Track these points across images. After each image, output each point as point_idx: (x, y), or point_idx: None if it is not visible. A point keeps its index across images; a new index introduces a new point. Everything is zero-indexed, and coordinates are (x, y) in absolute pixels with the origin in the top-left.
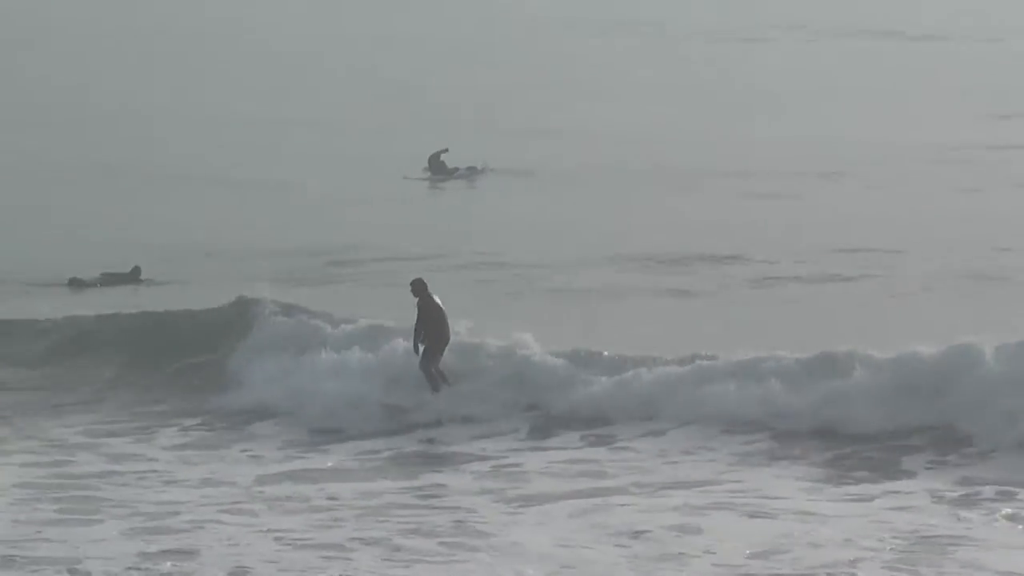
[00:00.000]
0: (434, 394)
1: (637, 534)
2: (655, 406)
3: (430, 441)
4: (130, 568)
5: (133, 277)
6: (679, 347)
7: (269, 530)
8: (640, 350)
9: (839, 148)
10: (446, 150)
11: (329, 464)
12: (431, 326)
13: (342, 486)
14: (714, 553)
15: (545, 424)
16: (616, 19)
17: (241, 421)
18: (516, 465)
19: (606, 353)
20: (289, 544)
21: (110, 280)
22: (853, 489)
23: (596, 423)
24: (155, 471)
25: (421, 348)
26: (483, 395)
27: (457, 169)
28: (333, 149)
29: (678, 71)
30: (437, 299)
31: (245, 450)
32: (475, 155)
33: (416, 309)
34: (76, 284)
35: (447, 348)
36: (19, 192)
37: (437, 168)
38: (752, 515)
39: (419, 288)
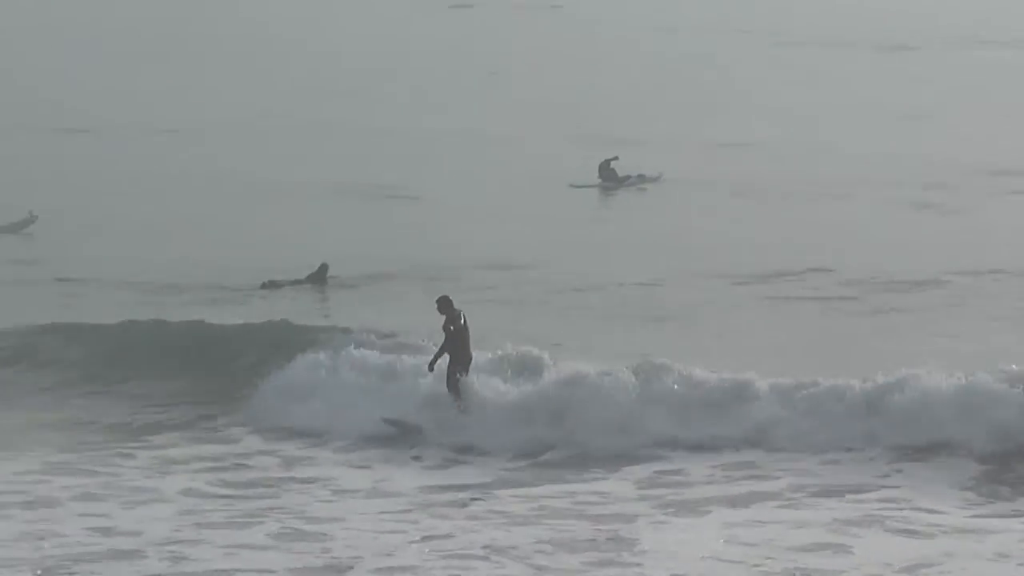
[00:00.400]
0: (460, 412)
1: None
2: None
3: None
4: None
5: (321, 275)
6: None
7: (424, 537)
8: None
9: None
10: (616, 157)
11: (490, 470)
12: (457, 345)
13: (504, 492)
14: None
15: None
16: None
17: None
18: (677, 471)
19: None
20: (441, 552)
21: (300, 281)
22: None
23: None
24: (323, 478)
25: (436, 367)
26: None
27: (628, 177)
28: (485, 159)
29: (845, 85)
30: (463, 318)
31: (415, 457)
32: (643, 163)
33: (443, 328)
34: (271, 286)
35: (470, 367)
36: (212, 204)
37: (607, 175)
38: (901, 531)
39: (445, 306)
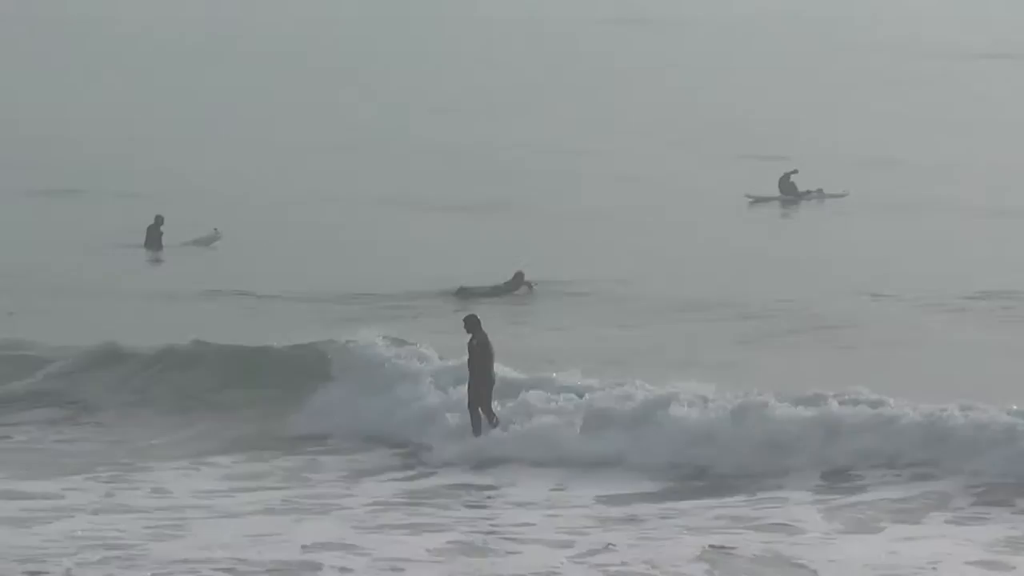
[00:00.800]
0: (476, 437)
1: None
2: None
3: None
4: None
5: (516, 284)
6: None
7: (590, 551)
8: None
9: None
10: (796, 171)
11: (649, 484)
12: (478, 364)
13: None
14: None
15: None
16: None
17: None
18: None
19: None
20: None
21: (495, 290)
22: None
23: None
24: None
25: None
26: None
27: (808, 192)
28: (655, 174)
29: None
30: (488, 338)
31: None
32: (819, 180)
33: (468, 346)
34: (464, 294)
35: (493, 388)
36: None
37: (787, 189)
38: None
39: (472, 325)
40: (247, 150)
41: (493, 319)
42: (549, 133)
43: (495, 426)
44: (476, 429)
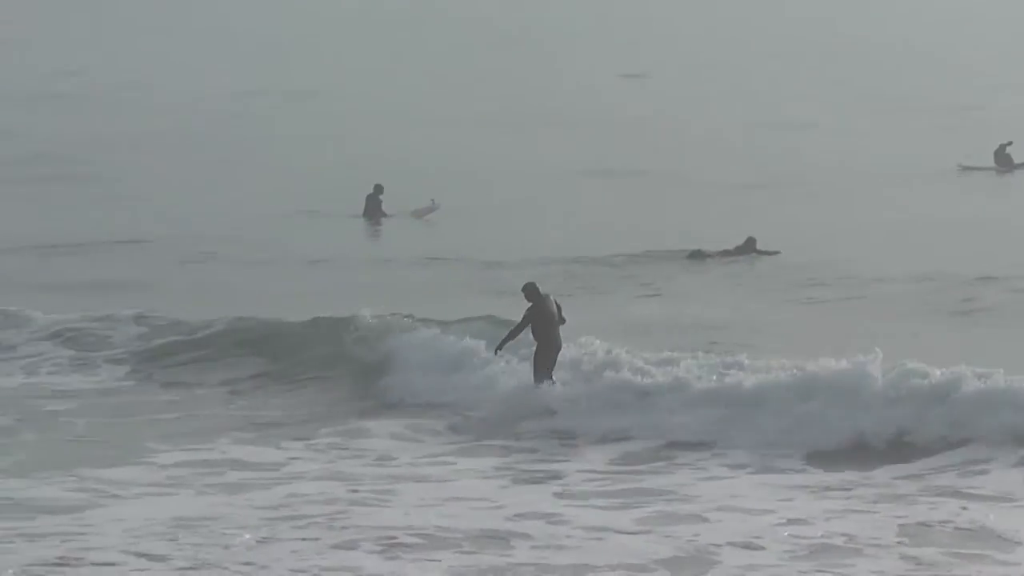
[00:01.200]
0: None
1: None
2: None
3: None
4: None
5: (748, 248)
6: None
7: (789, 520)
8: None
9: None
10: (1011, 143)
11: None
12: (542, 330)
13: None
14: None
15: None
16: None
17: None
18: None
19: None
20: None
21: (726, 254)
22: None
23: None
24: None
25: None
26: None
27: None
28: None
29: None
30: (552, 304)
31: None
32: None
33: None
34: (697, 256)
35: (557, 356)
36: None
37: (1003, 160)
38: None
39: (532, 292)
40: (445, 121)
41: (718, 282)
42: (760, 103)
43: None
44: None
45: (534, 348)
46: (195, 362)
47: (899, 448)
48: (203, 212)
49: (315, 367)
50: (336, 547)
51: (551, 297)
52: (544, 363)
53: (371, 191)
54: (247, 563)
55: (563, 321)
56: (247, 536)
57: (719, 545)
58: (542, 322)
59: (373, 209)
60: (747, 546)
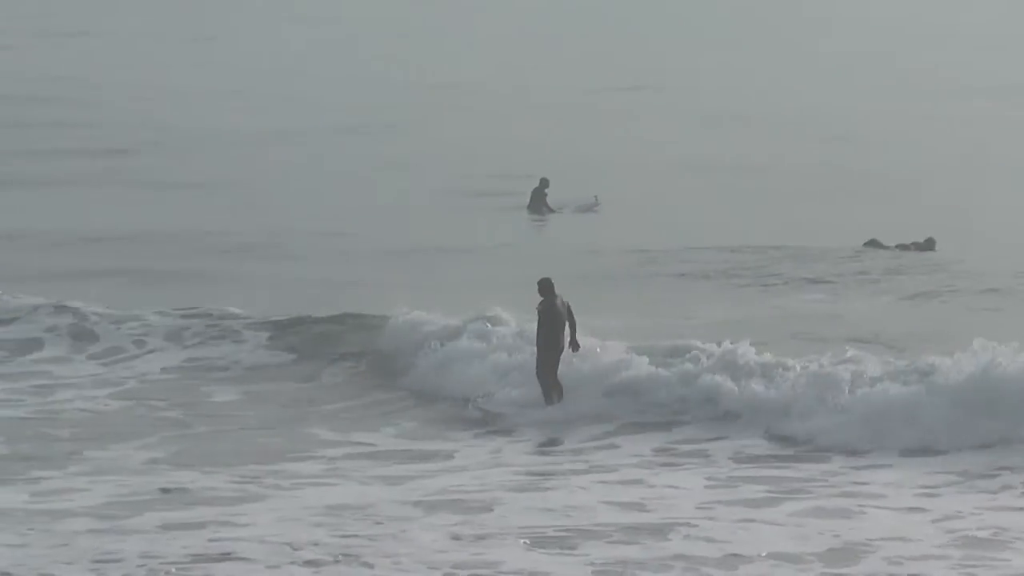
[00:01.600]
0: (548, 406)
1: None
2: None
3: None
4: None
5: (928, 247)
6: None
7: (944, 516)
8: None
9: None
10: None
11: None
12: (547, 329)
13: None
14: None
15: None
16: None
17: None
18: None
19: None
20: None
21: (906, 248)
22: None
23: None
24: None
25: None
26: None
27: None
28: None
29: None
30: (561, 304)
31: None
32: None
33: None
34: (873, 245)
35: (560, 357)
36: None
37: None
38: None
39: (546, 288)
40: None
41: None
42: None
43: (558, 399)
44: (547, 398)
45: (534, 350)
46: (366, 354)
47: None
48: (369, 206)
49: None
50: (479, 539)
51: (562, 297)
52: (547, 367)
53: (536, 184)
54: (386, 555)
55: (574, 323)
56: (394, 527)
57: (871, 539)
58: (548, 321)
59: (538, 202)
60: (900, 538)
